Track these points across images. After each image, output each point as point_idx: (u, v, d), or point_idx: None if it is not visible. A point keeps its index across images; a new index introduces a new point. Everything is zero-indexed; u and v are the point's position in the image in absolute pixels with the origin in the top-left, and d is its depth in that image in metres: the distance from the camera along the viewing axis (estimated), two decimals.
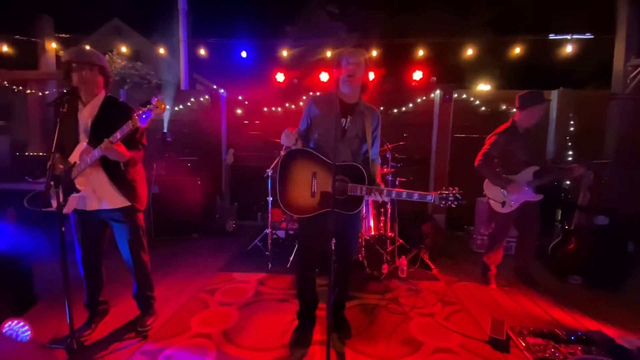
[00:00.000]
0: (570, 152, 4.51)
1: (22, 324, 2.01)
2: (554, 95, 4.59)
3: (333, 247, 1.63)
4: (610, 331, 2.26)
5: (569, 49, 4.52)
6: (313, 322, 2.26)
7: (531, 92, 2.82)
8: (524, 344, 2.09)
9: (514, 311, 2.60)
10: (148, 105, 1.86)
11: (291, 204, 2.00)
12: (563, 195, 4.37)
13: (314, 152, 1.98)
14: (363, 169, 1.90)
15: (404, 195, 1.89)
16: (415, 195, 1.87)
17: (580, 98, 4.52)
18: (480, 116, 4.79)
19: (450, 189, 1.83)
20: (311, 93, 4.89)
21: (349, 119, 2.00)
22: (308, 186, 1.96)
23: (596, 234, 3.14)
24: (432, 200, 1.84)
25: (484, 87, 5.07)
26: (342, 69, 1.93)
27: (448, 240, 4.41)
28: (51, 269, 2.72)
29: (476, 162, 2.93)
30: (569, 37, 4.46)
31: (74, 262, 2.11)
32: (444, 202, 1.82)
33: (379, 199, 1.90)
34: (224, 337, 2.16)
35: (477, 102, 4.77)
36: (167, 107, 4.93)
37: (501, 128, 2.92)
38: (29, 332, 2.01)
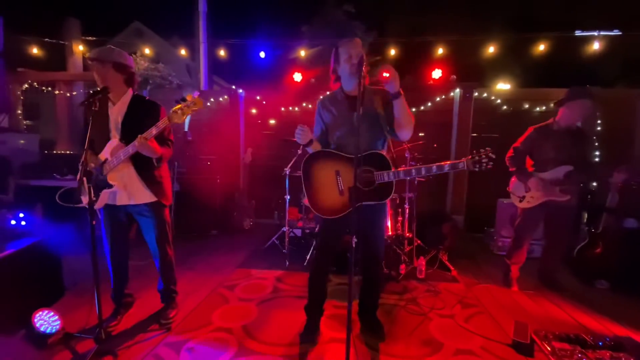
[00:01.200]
0: (597, 153, 4.36)
1: (52, 314, 2.08)
2: None
3: (354, 245, 1.61)
4: (639, 337, 2.17)
5: (595, 46, 4.36)
6: (320, 316, 2.27)
7: (572, 88, 2.73)
8: (549, 349, 2.03)
9: (538, 315, 2.52)
10: (185, 102, 1.88)
11: (324, 207, 1.97)
12: (589, 196, 4.22)
13: (332, 151, 1.97)
14: (385, 155, 1.87)
15: (434, 169, 1.80)
16: (446, 167, 1.77)
17: (609, 97, 4.36)
18: (502, 115, 4.69)
19: (482, 150, 1.74)
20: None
21: (361, 111, 1.98)
22: (335, 186, 1.95)
23: (625, 237, 3.02)
24: (465, 167, 1.75)
25: (506, 85, 4.94)
26: (345, 62, 1.89)
27: (467, 242, 4.33)
28: (78, 262, 2.84)
29: (507, 156, 2.93)
30: (595, 33, 4.30)
31: (102, 256, 2.18)
32: (477, 166, 1.74)
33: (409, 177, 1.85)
34: (244, 332, 2.19)
35: (499, 100, 4.67)
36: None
37: (540, 125, 2.87)
38: (59, 322, 2.09)
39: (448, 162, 1.78)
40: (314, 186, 1.99)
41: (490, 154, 1.73)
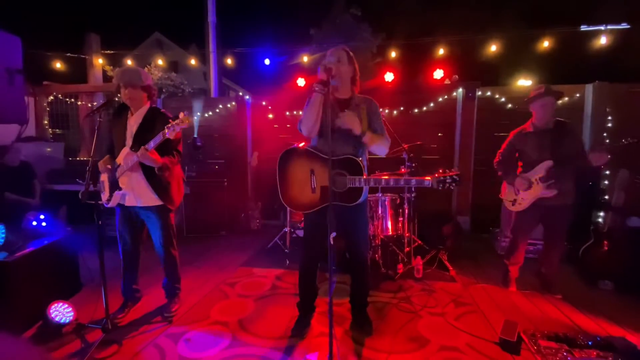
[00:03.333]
0: None
1: (66, 305, 2.30)
2: (588, 89, 4.33)
3: (332, 241, 1.70)
4: (634, 338, 2.13)
5: (602, 40, 4.23)
6: (312, 312, 2.37)
7: (534, 89, 2.77)
8: (535, 347, 2.04)
9: (533, 315, 2.51)
10: (176, 120, 2.07)
11: (294, 201, 2.12)
12: (600, 196, 4.10)
13: (310, 150, 2.07)
14: (359, 161, 1.93)
15: (401, 182, 1.93)
16: (413, 181, 1.90)
17: (620, 92, 4.22)
18: (507, 114, 4.62)
19: (448, 171, 1.85)
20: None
21: (329, 115, 2.04)
22: (308, 183, 2.06)
23: (630, 236, 2.94)
24: (430, 185, 1.85)
25: (527, 81, 4.83)
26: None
27: (472, 243, 4.30)
28: (96, 261, 3.07)
29: (495, 161, 2.94)
30: (602, 27, 4.17)
31: (116, 253, 2.43)
32: (441, 185, 1.84)
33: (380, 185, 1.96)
34: (238, 325, 2.33)
35: (503, 99, 4.61)
36: (198, 113, 5.29)
37: (518, 129, 2.86)
38: (72, 314, 2.30)
39: (415, 178, 1.89)
40: (289, 180, 2.11)
41: (455, 176, 1.83)
